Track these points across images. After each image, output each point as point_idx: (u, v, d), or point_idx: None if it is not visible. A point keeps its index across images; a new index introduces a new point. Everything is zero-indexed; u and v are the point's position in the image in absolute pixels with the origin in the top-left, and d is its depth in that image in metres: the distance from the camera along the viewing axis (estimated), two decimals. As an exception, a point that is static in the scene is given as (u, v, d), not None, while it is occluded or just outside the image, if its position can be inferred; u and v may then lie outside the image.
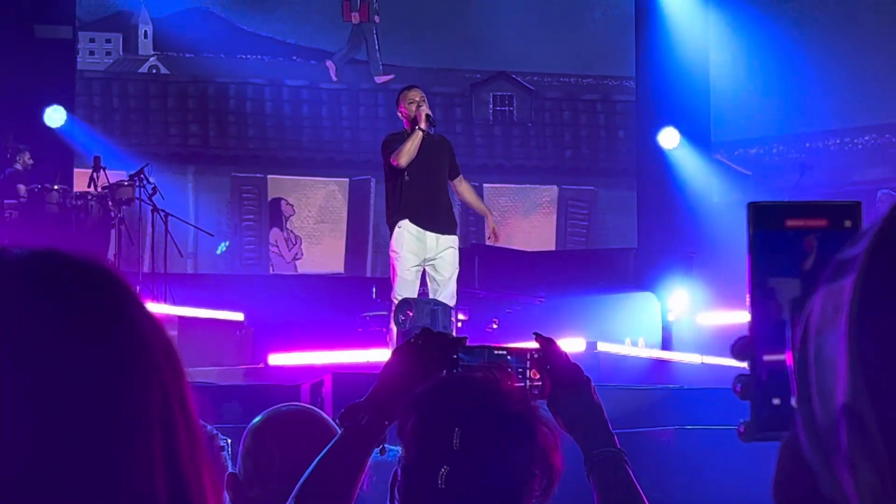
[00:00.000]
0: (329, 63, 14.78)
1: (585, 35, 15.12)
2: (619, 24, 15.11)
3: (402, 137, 9.16)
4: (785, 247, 1.07)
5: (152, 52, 14.49)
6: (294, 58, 14.78)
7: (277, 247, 14.52)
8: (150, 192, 11.82)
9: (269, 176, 14.65)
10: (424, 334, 2.41)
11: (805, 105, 13.93)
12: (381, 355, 9.19)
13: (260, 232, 14.57)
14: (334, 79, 14.79)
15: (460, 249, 9.66)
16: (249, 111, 14.69)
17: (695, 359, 10.20)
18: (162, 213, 11.88)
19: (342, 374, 7.73)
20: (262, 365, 10.68)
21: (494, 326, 11.67)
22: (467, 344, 2.37)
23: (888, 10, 13.86)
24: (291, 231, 14.62)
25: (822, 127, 13.86)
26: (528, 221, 14.95)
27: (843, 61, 13.87)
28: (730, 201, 13.30)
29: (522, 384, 2.31)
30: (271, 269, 14.48)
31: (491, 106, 14.78)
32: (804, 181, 11.91)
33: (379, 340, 10.63)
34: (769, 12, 14.10)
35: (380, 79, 14.85)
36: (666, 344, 11.39)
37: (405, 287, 9.24)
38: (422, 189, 9.19)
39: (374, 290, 12.29)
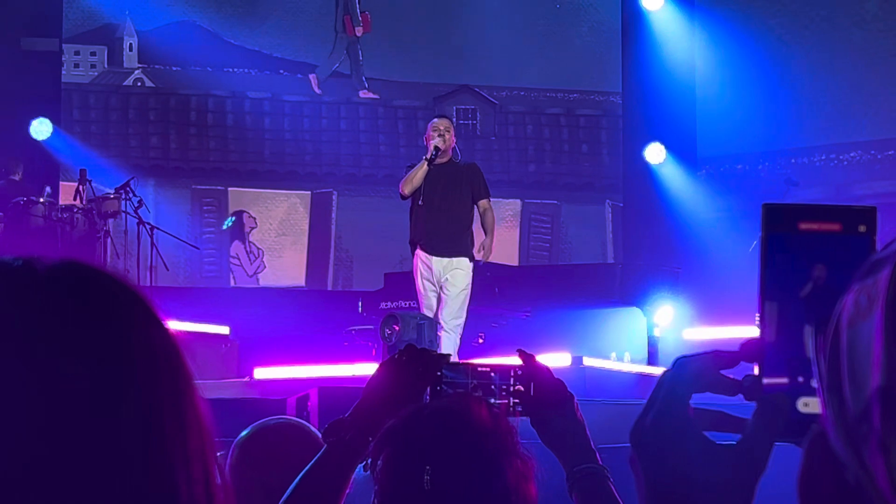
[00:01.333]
0: (312, 76, 14.78)
1: (572, 50, 15.14)
2: (606, 39, 15.14)
3: (413, 167, 9.51)
4: (797, 249, 1.06)
5: (137, 65, 14.47)
6: (281, 71, 14.78)
7: (238, 259, 14.48)
8: (136, 205, 11.78)
9: (230, 188, 14.63)
10: (408, 351, 2.40)
11: (790, 121, 13.97)
12: (367, 369, 9.18)
13: (221, 245, 14.52)
14: (318, 91, 14.79)
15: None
16: (211, 123, 14.67)
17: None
18: (148, 227, 11.84)
19: (328, 389, 7.73)
20: (247, 379, 10.65)
21: (480, 341, 11.67)
22: (451, 361, 2.37)
23: (872, 27, 13.92)
24: (253, 244, 14.59)
25: (808, 143, 13.89)
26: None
27: (830, 77, 13.92)
28: (716, 217, 13.33)
29: (505, 401, 2.31)
30: (232, 281, 14.44)
31: (454, 119, 14.86)
32: (790, 197, 11.93)
33: (365, 354, 10.62)
34: (755, 28, 14.14)
35: (364, 94, 14.87)
36: (652, 359, 11.39)
37: (428, 312, 9.57)
38: (429, 216, 9.40)
39: (360, 303, 12.27)
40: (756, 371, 1.10)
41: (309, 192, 14.79)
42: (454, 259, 9.48)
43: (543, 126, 15.34)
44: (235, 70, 14.64)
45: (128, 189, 11.75)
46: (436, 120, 9.71)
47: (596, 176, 15.13)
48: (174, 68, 14.51)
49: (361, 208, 14.68)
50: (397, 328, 8.81)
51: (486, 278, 12.77)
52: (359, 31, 14.81)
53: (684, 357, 1.19)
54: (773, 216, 1.08)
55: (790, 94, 13.99)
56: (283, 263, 14.69)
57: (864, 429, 0.91)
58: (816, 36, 14.04)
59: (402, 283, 12.76)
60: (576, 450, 2.29)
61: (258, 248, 14.53)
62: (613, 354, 11.12)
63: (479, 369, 2.35)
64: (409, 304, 11.61)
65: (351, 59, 14.88)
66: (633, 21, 14.72)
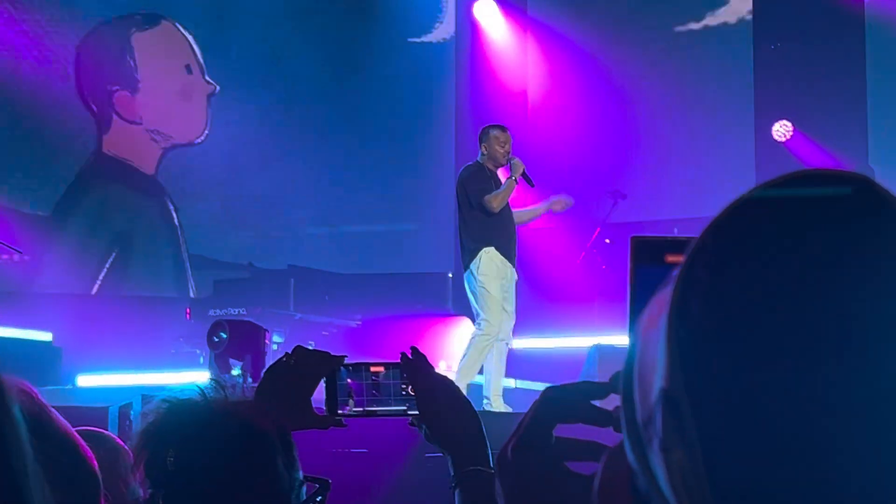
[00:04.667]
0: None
1: (406, 59, 15.18)
2: (441, 49, 15.21)
3: (486, 176, 9.58)
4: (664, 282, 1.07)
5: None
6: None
7: None
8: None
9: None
10: (297, 353, 2.37)
11: (616, 135, 14.19)
12: (193, 377, 9.06)
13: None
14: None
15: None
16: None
17: (508, 382, 10.29)
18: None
19: (152, 397, 7.57)
20: (70, 386, 10.42)
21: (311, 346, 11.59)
22: (347, 362, 2.35)
23: (672, 42, 14.24)
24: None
25: (636, 158, 14.12)
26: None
27: (658, 95, 14.19)
28: (547, 228, 13.47)
29: (401, 398, 2.30)
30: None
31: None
32: (618, 209, 12.12)
33: (192, 361, 10.47)
34: (582, 45, 14.35)
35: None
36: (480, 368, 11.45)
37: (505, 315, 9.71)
38: (507, 223, 9.68)
39: (187, 310, 12.10)
40: None
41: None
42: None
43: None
44: None
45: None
46: (503, 132, 9.82)
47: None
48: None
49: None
50: (224, 335, 8.69)
51: (317, 286, 12.73)
52: None
53: (553, 387, 1.22)
54: (641, 248, 1.09)
55: (618, 103, 14.23)
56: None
57: (650, 432, 0.95)
58: (644, 48, 14.31)
59: (232, 291, 12.64)
60: (465, 450, 2.24)
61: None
62: (443, 363, 11.15)
63: (373, 369, 2.33)
64: (238, 311, 11.50)
65: None
66: (466, 36, 14.81)
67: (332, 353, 2.40)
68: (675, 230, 11.29)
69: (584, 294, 12.11)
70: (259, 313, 11.17)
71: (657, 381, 0.94)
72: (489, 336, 9.44)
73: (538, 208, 10.15)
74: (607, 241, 12.15)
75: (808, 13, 13.31)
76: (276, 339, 10.39)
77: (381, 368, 2.34)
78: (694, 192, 13.34)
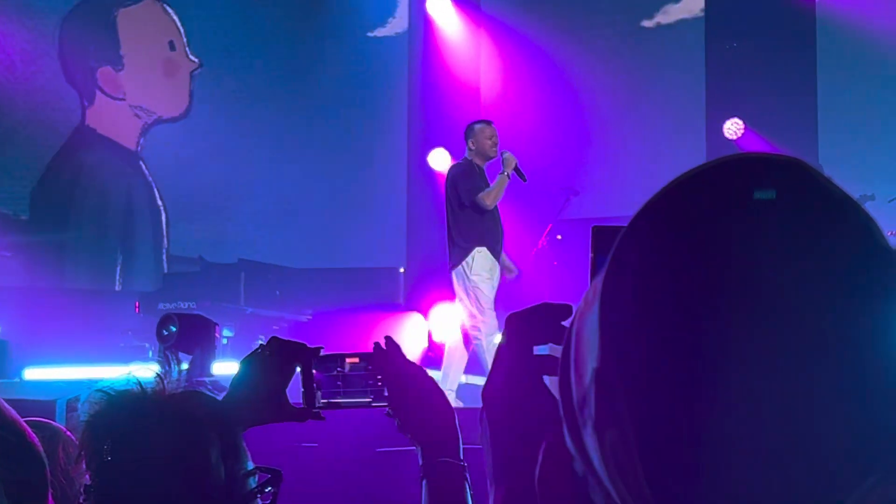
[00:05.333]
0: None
1: (359, 53, 15.15)
2: (394, 44, 15.19)
3: (476, 174, 9.56)
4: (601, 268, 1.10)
5: None
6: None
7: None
8: None
9: None
10: (272, 344, 2.36)
11: (569, 131, 14.23)
12: (141, 370, 8.98)
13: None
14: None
15: None
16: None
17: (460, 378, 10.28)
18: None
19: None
20: (17, 380, 10.35)
21: (261, 341, 11.54)
22: (322, 354, 2.34)
23: (634, 39, 14.30)
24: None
25: (589, 155, 14.16)
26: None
27: (611, 91, 14.24)
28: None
29: (371, 393, 2.29)
30: None
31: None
32: (571, 206, 12.14)
33: (140, 355, 10.39)
34: (535, 41, 14.37)
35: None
36: (430, 363, 11.46)
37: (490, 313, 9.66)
38: (496, 220, 9.67)
39: (136, 304, 12.02)
40: None
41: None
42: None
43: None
44: None
45: None
46: (487, 126, 9.84)
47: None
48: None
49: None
50: (174, 329, 8.62)
51: (268, 280, 12.68)
52: None
53: (515, 313, 1.29)
54: (602, 238, 1.12)
55: (571, 99, 14.26)
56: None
57: (585, 414, 0.98)
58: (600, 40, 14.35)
59: (182, 284, 12.57)
60: (435, 441, 2.22)
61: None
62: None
63: (349, 360, 2.32)
64: (188, 305, 11.42)
65: None
66: (420, 27, 14.79)
67: (308, 346, 2.38)
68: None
69: (535, 290, 12.12)
70: (209, 307, 11.10)
71: (591, 362, 0.97)
72: (487, 336, 9.40)
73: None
74: (559, 237, 12.16)
75: (760, 12, 13.39)
76: (226, 333, 10.33)
77: (356, 360, 2.33)
78: (647, 189, 13.35)
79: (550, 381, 1.29)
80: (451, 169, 9.75)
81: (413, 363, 2.32)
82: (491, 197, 9.38)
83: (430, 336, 12.07)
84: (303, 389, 2.35)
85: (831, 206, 0.95)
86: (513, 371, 1.28)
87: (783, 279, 0.93)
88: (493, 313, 9.54)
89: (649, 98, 14.07)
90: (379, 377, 2.30)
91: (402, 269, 13.69)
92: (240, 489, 2.11)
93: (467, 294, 9.49)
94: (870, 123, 13.09)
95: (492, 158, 9.60)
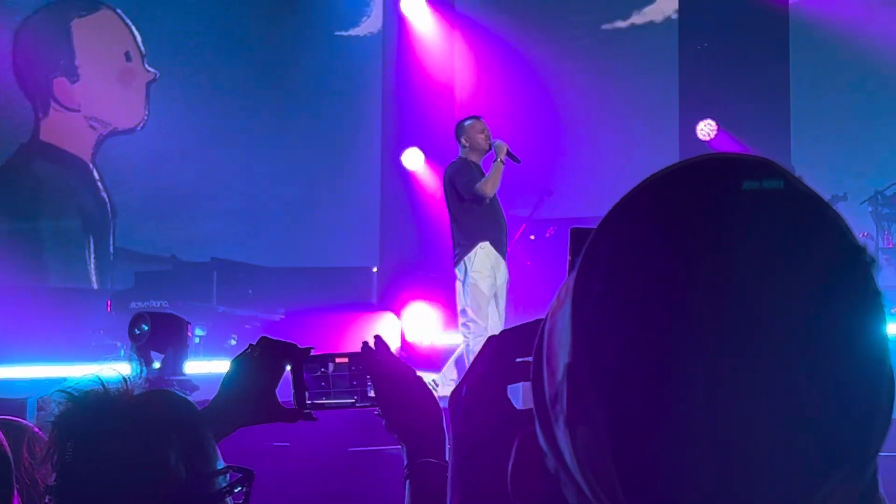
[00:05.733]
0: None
1: (333, 52, 15.12)
2: (368, 43, 15.17)
3: (471, 169, 9.53)
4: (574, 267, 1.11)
5: None
6: None
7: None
8: None
9: None
10: (261, 344, 2.36)
11: (543, 132, 14.24)
12: (106, 370, 8.96)
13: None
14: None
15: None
16: None
17: (428, 377, 10.30)
18: None
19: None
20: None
21: (233, 343, 11.53)
22: (313, 354, 2.34)
23: (610, 41, 14.33)
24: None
25: (562, 155, 14.17)
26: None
27: (584, 92, 14.25)
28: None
29: (355, 389, 2.29)
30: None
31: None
32: (545, 206, 12.14)
33: (113, 354, 10.36)
34: (509, 41, 14.38)
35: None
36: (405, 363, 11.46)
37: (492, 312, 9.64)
38: (498, 214, 9.59)
39: (108, 303, 11.97)
40: None
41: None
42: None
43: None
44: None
45: None
46: (477, 121, 9.78)
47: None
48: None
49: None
50: (146, 328, 8.60)
51: (240, 279, 12.65)
52: None
53: (496, 336, 1.29)
54: (579, 240, 1.14)
55: (545, 100, 14.27)
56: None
57: (557, 410, 0.99)
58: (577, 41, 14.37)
59: (154, 283, 12.53)
60: (421, 441, 2.20)
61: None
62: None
63: (338, 360, 2.32)
64: (161, 304, 11.39)
65: None
66: (394, 27, 14.77)
67: (299, 346, 2.37)
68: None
69: (508, 290, 12.13)
70: (181, 306, 11.07)
71: (563, 357, 0.98)
72: (475, 338, 9.36)
73: None
74: (532, 237, 12.17)
75: (734, 13, 13.43)
76: (198, 332, 10.31)
77: (344, 360, 2.32)
78: (620, 189, 13.36)
79: (524, 387, 1.29)
80: (447, 169, 9.74)
81: (402, 363, 2.31)
82: (489, 185, 9.34)
83: (402, 336, 12.06)
84: (294, 389, 2.34)
85: (802, 207, 0.96)
86: (479, 379, 1.28)
87: (755, 277, 0.93)
88: (487, 315, 9.51)
89: (623, 99, 14.10)
90: (368, 377, 2.30)
91: (375, 269, 13.68)
92: (206, 489, 2.09)
93: (465, 290, 9.49)
94: (842, 125, 13.16)
95: (486, 152, 9.57)
